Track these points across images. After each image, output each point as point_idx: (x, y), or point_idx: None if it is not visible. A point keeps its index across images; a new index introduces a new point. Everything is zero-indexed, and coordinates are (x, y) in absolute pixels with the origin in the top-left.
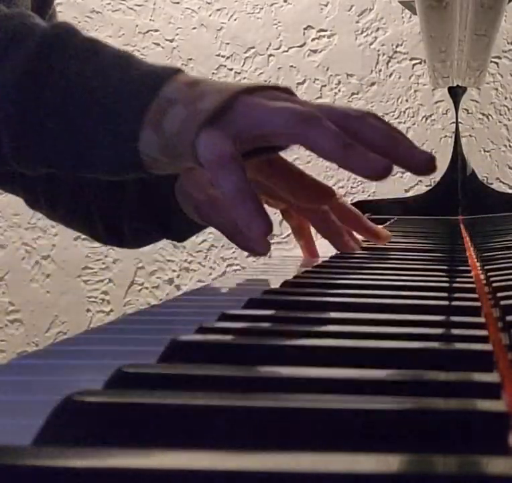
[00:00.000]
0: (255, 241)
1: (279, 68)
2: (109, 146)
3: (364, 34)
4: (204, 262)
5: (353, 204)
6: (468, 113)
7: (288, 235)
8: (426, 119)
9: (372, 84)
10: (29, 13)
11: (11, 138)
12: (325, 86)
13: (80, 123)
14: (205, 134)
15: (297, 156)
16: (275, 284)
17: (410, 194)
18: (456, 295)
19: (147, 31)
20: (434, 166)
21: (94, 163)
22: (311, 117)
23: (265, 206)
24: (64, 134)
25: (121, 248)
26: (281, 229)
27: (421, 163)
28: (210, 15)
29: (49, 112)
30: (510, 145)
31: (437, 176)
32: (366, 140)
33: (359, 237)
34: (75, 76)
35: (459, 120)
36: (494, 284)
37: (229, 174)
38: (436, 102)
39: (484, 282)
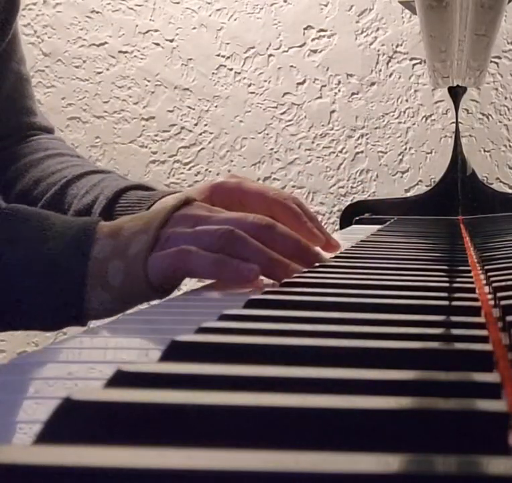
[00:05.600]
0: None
1: (279, 68)
2: (61, 312)
3: (364, 34)
4: None
5: (353, 204)
6: (468, 113)
7: None
8: (426, 119)
9: (372, 84)
10: None
11: None
12: (325, 86)
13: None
14: (152, 263)
15: (298, 156)
16: (275, 284)
17: (410, 194)
18: (456, 295)
19: (147, 31)
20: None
21: (46, 324)
22: (233, 237)
23: None
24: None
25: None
26: None
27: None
28: (210, 15)
29: (6, 276)
30: (510, 145)
31: (437, 176)
32: (276, 249)
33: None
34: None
35: (459, 120)
36: (494, 284)
37: (196, 261)
38: (436, 102)
39: (484, 282)
